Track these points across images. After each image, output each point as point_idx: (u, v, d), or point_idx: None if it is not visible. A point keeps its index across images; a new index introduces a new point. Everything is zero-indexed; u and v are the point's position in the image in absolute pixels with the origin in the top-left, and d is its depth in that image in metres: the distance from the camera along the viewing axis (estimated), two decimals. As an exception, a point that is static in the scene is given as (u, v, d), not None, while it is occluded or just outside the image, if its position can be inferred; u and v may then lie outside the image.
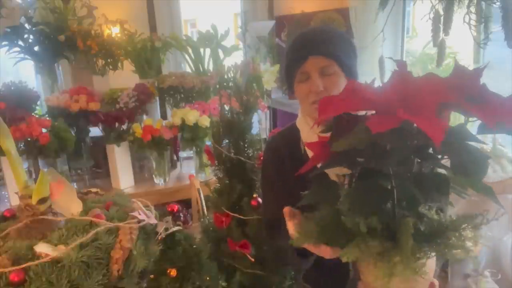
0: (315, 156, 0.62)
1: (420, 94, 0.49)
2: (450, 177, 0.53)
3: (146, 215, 0.94)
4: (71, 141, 2.11)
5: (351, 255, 0.55)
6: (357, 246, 0.55)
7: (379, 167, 0.52)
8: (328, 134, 0.61)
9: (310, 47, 0.99)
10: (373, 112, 0.53)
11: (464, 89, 0.49)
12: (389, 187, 0.54)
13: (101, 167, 2.40)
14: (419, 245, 0.53)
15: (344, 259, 0.56)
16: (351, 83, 0.57)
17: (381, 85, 0.57)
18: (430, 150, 0.53)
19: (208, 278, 1.15)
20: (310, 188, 0.67)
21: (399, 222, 0.54)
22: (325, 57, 0.97)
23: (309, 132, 1.04)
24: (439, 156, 0.53)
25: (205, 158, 2.23)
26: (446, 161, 0.54)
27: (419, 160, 0.54)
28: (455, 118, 0.61)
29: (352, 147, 0.52)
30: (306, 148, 1.05)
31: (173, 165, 2.48)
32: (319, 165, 0.63)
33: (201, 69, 2.59)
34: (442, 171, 0.54)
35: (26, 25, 2.39)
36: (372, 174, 0.54)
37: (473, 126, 0.54)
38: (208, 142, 2.18)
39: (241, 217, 1.40)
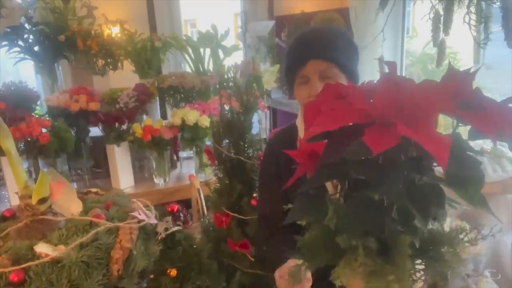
0: (302, 166, 0.58)
1: (416, 103, 0.46)
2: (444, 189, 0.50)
3: (146, 215, 0.94)
4: (71, 141, 2.11)
5: (343, 276, 0.51)
6: (348, 265, 0.51)
7: (374, 183, 0.48)
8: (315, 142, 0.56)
9: (309, 50, 0.98)
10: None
11: (459, 95, 0.47)
12: (382, 201, 0.50)
13: (101, 167, 2.40)
14: (412, 262, 0.51)
15: (337, 283, 0.52)
16: (332, 86, 0.54)
17: (368, 87, 0.53)
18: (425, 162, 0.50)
19: (208, 278, 1.16)
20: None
21: (393, 238, 0.50)
22: (324, 61, 0.96)
23: None
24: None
25: (205, 158, 2.23)
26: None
27: (415, 173, 0.50)
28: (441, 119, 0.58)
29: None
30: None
31: (173, 165, 2.48)
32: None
33: (201, 69, 2.59)
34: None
35: (26, 25, 2.39)
36: (363, 186, 0.50)
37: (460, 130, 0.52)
38: (208, 142, 2.18)
39: (241, 217, 1.40)
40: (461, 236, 0.53)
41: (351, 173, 0.51)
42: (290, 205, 0.60)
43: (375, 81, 0.54)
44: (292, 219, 0.57)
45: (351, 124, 0.49)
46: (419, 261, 0.54)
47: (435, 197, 0.50)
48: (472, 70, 0.51)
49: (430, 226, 0.54)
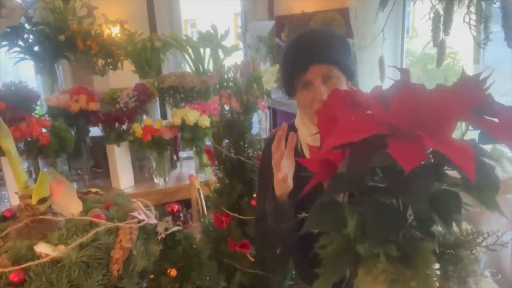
0: (317, 175, 0.57)
1: (434, 111, 0.45)
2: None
3: (146, 215, 0.94)
4: (71, 141, 2.11)
5: (366, 284, 0.51)
6: (369, 272, 0.51)
7: (396, 191, 0.48)
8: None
9: (310, 55, 0.97)
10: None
11: (472, 101, 0.47)
12: (401, 208, 0.50)
13: (101, 167, 2.40)
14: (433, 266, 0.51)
15: None
16: (341, 93, 0.53)
17: (382, 94, 0.52)
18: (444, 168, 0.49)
19: (208, 278, 1.15)
20: (302, 185, 0.61)
21: (414, 245, 0.50)
22: (325, 64, 0.96)
23: (305, 132, 1.04)
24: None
25: (205, 158, 2.23)
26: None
27: (434, 180, 0.50)
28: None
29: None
30: (303, 147, 1.05)
31: (173, 165, 2.48)
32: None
33: (201, 69, 2.59)
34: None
35: (26, 25, 2.39)
36: (380, 192, 0.50)
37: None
38: (208, 142, 2.18)
39: (241, 217, 1.39)
40: (478, 241, 0.53)
41: (367, 180, 0.51)
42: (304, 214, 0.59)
43: (382, 87, 0.54)
44: (308, 229, 0.56)
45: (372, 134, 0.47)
46: (437, 266, 0.54)
47: (454, 202, 0.50)
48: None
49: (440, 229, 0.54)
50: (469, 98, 0.48)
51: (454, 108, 0.46)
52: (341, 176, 0.51)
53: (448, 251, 0.54)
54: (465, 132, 0.51)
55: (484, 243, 0.54)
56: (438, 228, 0.54)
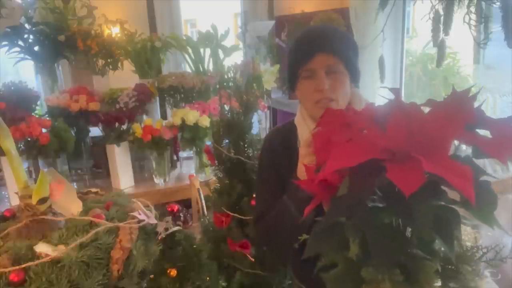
0: (318, 197, 0.57)
1: (429, 133, 0.45)
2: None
3: (146, 215, 0.94)
4: (71, 141, 2.11)
5: None
6: None
7: (397, 214, 0.48)
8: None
9: (317, 44, 0.97)
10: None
11: (465, 118, 0.47)
12: (401, 227, 0.50)
13: (101, 167, 2.40)
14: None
15: None
16: (334, 112, 0.53)
17: (376, 113, 0.51)
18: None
19: (208, 278, 1.15)
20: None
21: (416, 264, 0.50)
22: (332, 55, 0.96)
23: (305, 131, 1.04)
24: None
25: (205, 158, 2.23)
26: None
27: (433, 199, 0.49)
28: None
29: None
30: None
31: (173, 165, 2.48)
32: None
33: (201, 69, 2.59)
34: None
35: (26, 25, 2.40)
36: (380, 212, 0.49)
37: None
38: (208, 142, 2.18)
39: (241, 217, 1.39)
40: (478, 255, 0.53)
41: (367, 201, 0.50)
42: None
43: (376, 104, 0.54)
44: (310, 254, 0.55)
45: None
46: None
47: (453, 220, 0.49)
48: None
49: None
50: (461, 115, 0.47)
51: (449, 128, 0.46)
52: (342, 199, 0.51)
53: (449, 266, 0.54)
54: (457, 147, 0.51)
55: (484, 258, 0.54)
56: (438, 243, 0.54)
